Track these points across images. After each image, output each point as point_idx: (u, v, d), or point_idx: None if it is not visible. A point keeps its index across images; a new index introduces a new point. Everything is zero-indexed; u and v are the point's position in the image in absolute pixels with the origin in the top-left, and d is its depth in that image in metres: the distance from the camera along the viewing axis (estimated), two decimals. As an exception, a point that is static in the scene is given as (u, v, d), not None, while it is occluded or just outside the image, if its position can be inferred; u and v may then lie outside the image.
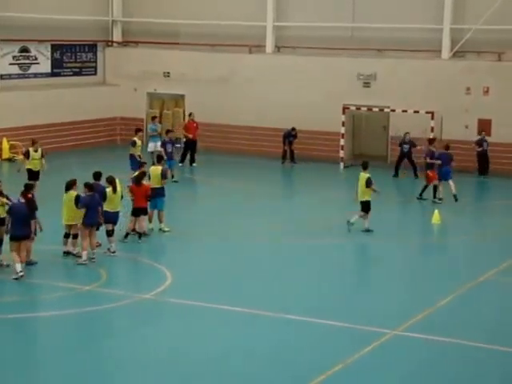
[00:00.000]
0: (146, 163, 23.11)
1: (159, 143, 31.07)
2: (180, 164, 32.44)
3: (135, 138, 28.63)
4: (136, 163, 27.65)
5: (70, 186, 19.96)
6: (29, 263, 19.17)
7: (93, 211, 19.66)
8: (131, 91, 38.55)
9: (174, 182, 28.44)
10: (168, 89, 38.17)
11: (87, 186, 19.87)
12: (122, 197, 20.87)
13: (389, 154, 34.31)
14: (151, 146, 31.46)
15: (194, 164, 33.24)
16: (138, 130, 29.44)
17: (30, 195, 18.73)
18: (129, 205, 21.77)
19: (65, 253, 20.03)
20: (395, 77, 33.79)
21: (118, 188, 20.74)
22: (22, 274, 18.29)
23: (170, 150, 28.80)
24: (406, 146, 31.78)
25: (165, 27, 38.00)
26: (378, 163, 33.18)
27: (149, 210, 22.37)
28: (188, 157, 33.10)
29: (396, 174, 32.02)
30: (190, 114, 33.88)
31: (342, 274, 20.01)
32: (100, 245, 20.49)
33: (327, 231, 23.74)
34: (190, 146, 33.27)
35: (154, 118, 33.73)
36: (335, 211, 26.96)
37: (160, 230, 22.56)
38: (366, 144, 35.03)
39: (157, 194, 22.36)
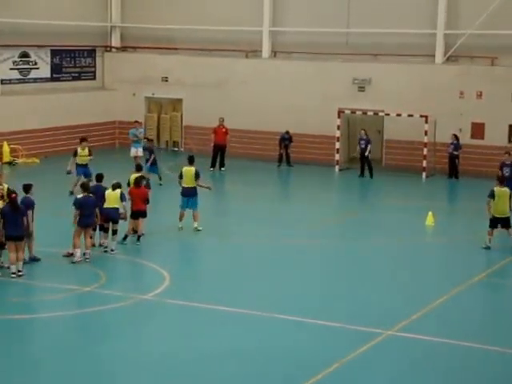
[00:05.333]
0: (142, 168, 23.55)
1: (140, 148, 31.42)
2: (211, 169, 32.81)
3: (78, 147, 27.82)
4: (80, 170, 27.24)
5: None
6: (32, 259, 19.55)
7: (87, 212, 19.88)
8: (129, 95, 38.85)
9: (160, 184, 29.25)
10: (166, 93, 38.51)
11: (83, 186, 20.22)
12: (123, 198, 21.06)
13: (383, 157, 34.72)
14: (133, 151, 31.64)
15: (223, 169, 33.52)
16: (82, 140, 28.35)
17: (13, 195, 18.75)
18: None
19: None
20: (390, 81, 34.14)
21: (118, 190, 21.07)
22: (20, 273, 18.58)
23: (147, 157, 29.44)
24: (363, 143, 32.56)
25: (163, 32, 38.31)
26: (373, 166, 33.50)
27: (180, 209, 23.13)
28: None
29: (362, 174, 32.77)
30: (220, 119, 34.08)
31: (337, 275, 20.27)
32: (94, 245, 20.75)
33: (323, 233, 23.98)
34: (218, 151, 33.54)
35: (135, 122, 33.20)
36: (331, 213, 27.32)
37: (195, 228, 23.05)
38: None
39: (190, 193, 23.06)
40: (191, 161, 23.68)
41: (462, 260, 21.75)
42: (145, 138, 31.59)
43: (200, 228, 23.12)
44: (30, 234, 19.47)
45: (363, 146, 32.66)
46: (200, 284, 19.22)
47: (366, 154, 32.57)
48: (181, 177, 23.41)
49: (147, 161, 29.41)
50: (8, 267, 19.01)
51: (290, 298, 18.04)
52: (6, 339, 15.58)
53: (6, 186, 20.00)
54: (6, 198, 19.24)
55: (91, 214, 20.00)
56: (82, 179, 25.75)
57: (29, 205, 19.28)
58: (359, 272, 20.35)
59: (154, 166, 29.54)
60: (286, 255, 21.59)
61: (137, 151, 31.55)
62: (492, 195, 22.05)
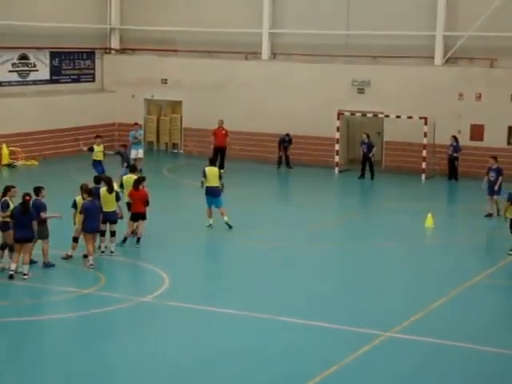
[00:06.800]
0: (138, 169, 23.61)
1: (141, 150, 31.57)
2: None
3: (94, 145, 29.34)
4: (99, 168, 28.45)
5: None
6: (47, 265, 19.58)
7: (94, 217, 19.91)
8: (129, 97, 38.88)
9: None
10: (165, 95, 38.53)
11: (87, 191, 20.24)
12: (118, 198, 21.13)
13: (383, 159, 34.73)
14: (133, 153, 31.72)
15: (222, 170, 33.45)
16: (96, 137, 29.99)
17: (28, 197, 18.83)
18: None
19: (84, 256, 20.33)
20: (389, 83, 34.18)
21: (115, 188, 21.11)
22: (25, 277, 18.64)
23: (133, 157, 29.65)
24: (364, 147, 32.64)
25: (162, 34, 38.36)
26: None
27: (207, 207, 23.71)
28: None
29: (362, 175, 32.77)
30: (219, 122, 34.12)
31: (336, 276, 20.31)
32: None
33: (323, 234, 24.02)
34: (218, 153, 33.53)
35: (135, 124, 33.43)
36: (331, 215, 27.33)
37: (226, 223, 23.52)
38: (361, 149, 35.38)
39: (214, 192, 23.58)
40: (212, 161, 24.66)
41: (461, 261, 21.76)
42: (123, 145, 31.26)
43: (230, 223, 23.55)
44: (46, 235, 19.57)
45: (365, 150, 32.65)
46: (199, 286, 19.24)
47: (370, 155, 32.62)
48: (204, 176, 23.79)
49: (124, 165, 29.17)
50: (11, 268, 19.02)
51: (289, 299, 18.05)
52: (5, 341, 15.57)
53: None
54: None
55: (97, 219, 20.04)
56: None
57: (39, 207, 19.34)
58: (359, 273, 20.37)
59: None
60: (285, 257, 21.60)
61: (137, 153, 31.68)
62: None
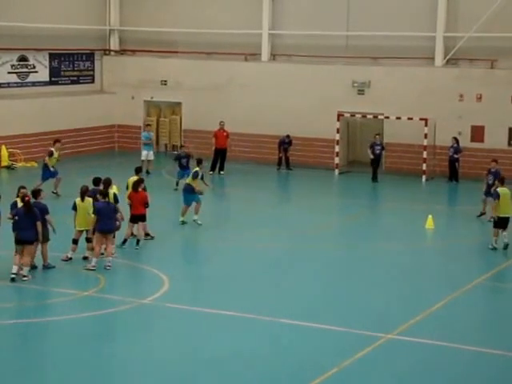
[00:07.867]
0: (141, 170, 23.58)
1: (151, 152, 31.49)
2: (210, 172, 32.64)
3: (52, 149, 27.87)
4: (48, 173, 27.35)
5: (85, 192, 20.36)
6: (46, 267, 19.56)
7: (107, 218, 19.85)
8: (128, 99, 38.83)
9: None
10: (165, 97, 38.47)
11: (101, 193, 20.21)
12: (117, 201, 20.99)
13: (383, 161, 34.65)
14: (144, 154, 31.70)
15: (222, 172, 33.55)
16: (56, 141, 28.57)
17: (27, 198, 18.84)
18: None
19: (84, 258, 20.36)
20: (389, 84, 34.14)
21: (110, 191, 21.01)
22: (25, 279, 18.60)
23: (184, 164, 29.02)
24: (378, 148, 32.45)
25: (161, 36, 38.32)
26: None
27: (182, 205, 24.20)
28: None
29: (375, 178, 32.56)
30: (220, 123, 34.08)
31: (336, 278, 20.25)
32: (93, 248, 20.64)
33: (323, 236, 23.98)
34: (219, 154, 33.50)
35: (147, 125, 33.72)
36: (331, 217, 27.30)
37: (181, 221, 24.19)
38: (361, 150, 35.35)
39: (186, 190, 24.15)
40: (199, 162, 24.90)
41: (461, 263, 21.74)
42: (181, 145, 31.25)
43: (186, 221, 24.21)
44: (48, 238, 19.54)
45: (378, 152, 32.53)
46: (199, 288, 19.22)
47: (383, 160, 32.64)
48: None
49: (185, 167, 29.01)
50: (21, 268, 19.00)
51: (289, 301, 18.03)
52: (5, 343, 15.55)
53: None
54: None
55: (111, 220, 19.97)
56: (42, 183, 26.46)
57: (43, 210, 19.32)
58: (359, 275, 20.35)
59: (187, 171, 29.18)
60: (285, 259, 21.58)
61: (147, 154, 31.62)
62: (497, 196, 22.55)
